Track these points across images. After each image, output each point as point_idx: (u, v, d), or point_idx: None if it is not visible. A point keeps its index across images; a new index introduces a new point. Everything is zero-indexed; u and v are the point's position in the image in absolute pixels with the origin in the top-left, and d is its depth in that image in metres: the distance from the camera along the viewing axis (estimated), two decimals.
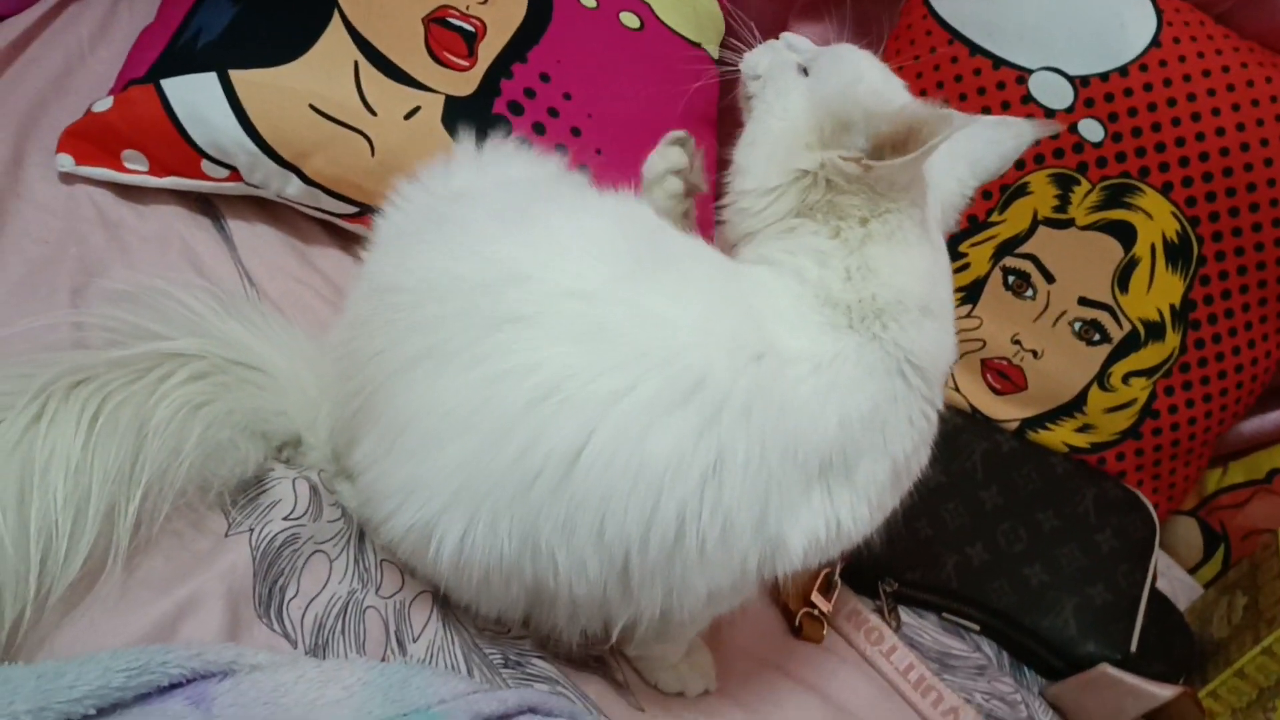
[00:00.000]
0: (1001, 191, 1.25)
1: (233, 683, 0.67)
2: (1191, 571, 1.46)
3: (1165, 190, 1.22)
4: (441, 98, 1.11)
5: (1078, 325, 1.27)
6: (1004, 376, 1.31)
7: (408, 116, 1.09)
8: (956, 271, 1.28)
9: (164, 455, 0.77)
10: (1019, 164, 1.23)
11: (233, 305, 0.89)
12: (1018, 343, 1.29)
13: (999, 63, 1.24)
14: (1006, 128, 0.86)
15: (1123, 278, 1.25)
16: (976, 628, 1.17)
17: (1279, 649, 1.15)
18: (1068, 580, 1.18)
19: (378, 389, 0.76)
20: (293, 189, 1.09)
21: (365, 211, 1.09)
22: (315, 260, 1.14)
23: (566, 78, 1.17)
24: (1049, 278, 1.27)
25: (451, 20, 1.14)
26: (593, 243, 0.74)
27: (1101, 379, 1.28)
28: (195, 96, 1.04)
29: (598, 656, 0.90)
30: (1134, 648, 1.15)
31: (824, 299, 0.75)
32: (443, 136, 1.09)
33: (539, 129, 1.13)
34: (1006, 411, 1.31)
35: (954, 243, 1.27)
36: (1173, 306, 1.26)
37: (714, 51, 1.31)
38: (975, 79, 1.24)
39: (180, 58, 1.07)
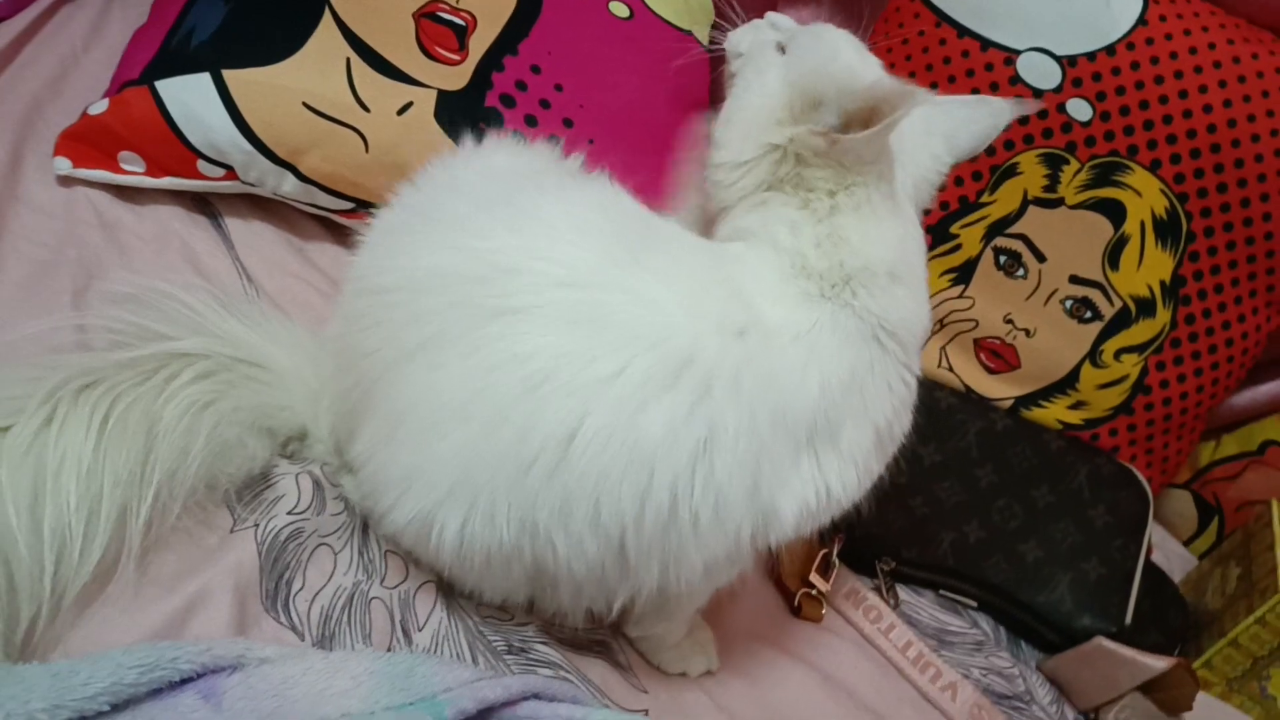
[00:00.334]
0: (992, 172, 1.26)
1: (242, 676, 0.67)
2: (1186, 544, 1.47)
3: (1154, 168, 1.23)
4: (434, 92, 1.11)
5: (1069, 303, 1.28)
6: (997, 355, 1.32)
7: (401, 112, 1.09)
8: (949, 253, 1.29)
9: (174, 455, 0.78)
10: (1008, 144, 1.25)
11: (233, 304, 0.90)
12: (1010, 322, 1.30)
13: (987, 44, 1.24)
14: (985, 106, 0.88)
15: (1113, 255, 1.26)
16: (974, 604, 1.19)
17: (1272, 619, 1.16)
18: (1063, 555, 1.19)
19: (375, 383, 0.78)
20: (289, 186, 1.09)
21: (361, 207, 1.10)
22: (312, 256, 1.15)
23: (557, 69, 1.17)
24: (1040, 257, 1.28)
25: (442, 14, 1.14)
26: (580, 230, 0.76)
27: (1093, 356, 1.29)
28: (189, 97, 1.04)
29: (600, 640, 0.92)
30: (1129, 620, 1.17)
31: (799, 269, 0.78)
32: (436, 131, 1.09)
33: (531, 121, 1.14)
34: (1000, 390, 1.32)
35: (945, 224, 1.28)
36: (1163, 283, 1.27)
37: (704, 38, 1.31)
38: (963, 60, 1.25)
39: (173, 58, 1.08)
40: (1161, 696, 1.11)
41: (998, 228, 1.28)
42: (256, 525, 0.83)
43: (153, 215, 1.08)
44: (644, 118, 1.21)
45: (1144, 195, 1.24)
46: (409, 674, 0.72)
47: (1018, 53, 1.23)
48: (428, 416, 0.74)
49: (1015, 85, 1.23)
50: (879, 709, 1.00)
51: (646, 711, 0.89)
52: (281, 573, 0.81)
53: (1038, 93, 1.22)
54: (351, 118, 1.08)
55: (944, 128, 0.86)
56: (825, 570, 1.08)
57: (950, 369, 1.32)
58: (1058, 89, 1.22)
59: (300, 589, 0.82)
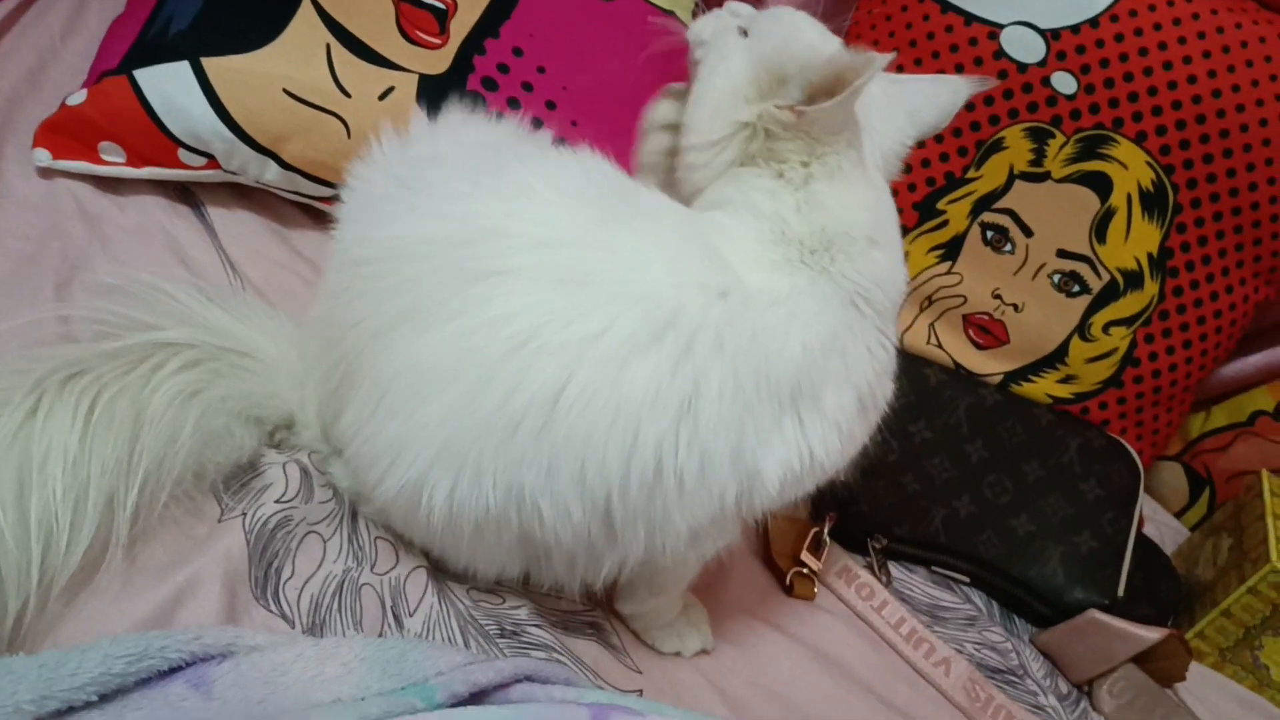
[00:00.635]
0: (977, 147, 1.26)
1: (232, 664, 0.67)
2: (1178, 516, 1.48)
3: (1139, 140, 1.23)
4: (415, 77, 1.11)
5: (1057, 277, 1.28)
6: (986, 331, 1.32)
7: (382, 97, 1.09)
8: (935, 229, 1.29)
9: (161, 444, 0.77)
10: (993, 119, 1.24)
11: (218, 293, 0.90)
12: (998, 297, 1.30)
13: (970, 19, 1.24)
14: (945, 84, 0.90)
15: (1100, 228, 1.26)
16: (966, 579, 1.19)
17: (1264, 588, 1.17)
18: (1054, 529, 1.20)
19: (360, 354, 0.77)
20: (271, 174, 1.09)
21: None
22: (296, 244, 1.14)
23: (539, 51, 1.17)
24: (1027, 231, 1.28)
25: None
26: (562, 192, 0.76)
27: (1082, 329, 1.29)
28: (169, 86, 1.04)
29: (593, 622, 0.92)
30: (1121, 592, 1.18)
31: (779, 235, 0.79)
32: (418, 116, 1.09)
33: (513, 104, 1.13)
34: (989, 366, 1.32)
35: (932, 200, 1.28)
36: (1150, 255, 1.27)
37: (687, 19, 1.31)
38: (947, 36, 1.24)
39: (152, 47, 1.07)
40: (1155, 667, 1.11)
41: (984, 203, 1.28)
42: (244, 514, 0.83)
43: (135, 206, 1.08)
44: (627, 99, 1.20)
45: (1130, 168, 1.24)
46: (400, 659, 0.71)
47: (1001, 26, 1.23)
48: (413, 383, 0.73)
49: (999, 60, 1.22)
50: (873, 685, 1.00)
51: (640, 692, 0.88)
52: (271, 561, 0.81)
53: (1022, 66, 1.22)
54: (333, 104, 1.07)
55: (907, 104, 0.87)
56: (817, 549, 1.08)
57: (939, 345, 1.32)
58: (1042, 62, 1.22)
59: (290, 577, 0.81)
